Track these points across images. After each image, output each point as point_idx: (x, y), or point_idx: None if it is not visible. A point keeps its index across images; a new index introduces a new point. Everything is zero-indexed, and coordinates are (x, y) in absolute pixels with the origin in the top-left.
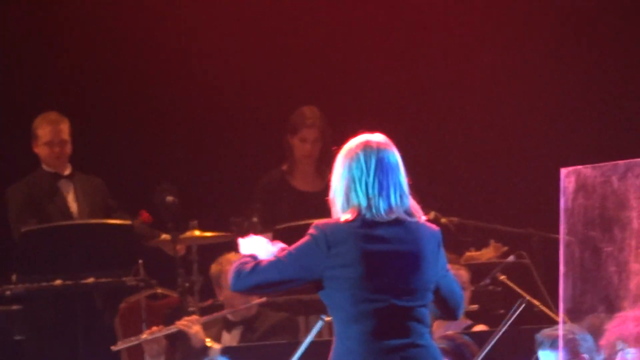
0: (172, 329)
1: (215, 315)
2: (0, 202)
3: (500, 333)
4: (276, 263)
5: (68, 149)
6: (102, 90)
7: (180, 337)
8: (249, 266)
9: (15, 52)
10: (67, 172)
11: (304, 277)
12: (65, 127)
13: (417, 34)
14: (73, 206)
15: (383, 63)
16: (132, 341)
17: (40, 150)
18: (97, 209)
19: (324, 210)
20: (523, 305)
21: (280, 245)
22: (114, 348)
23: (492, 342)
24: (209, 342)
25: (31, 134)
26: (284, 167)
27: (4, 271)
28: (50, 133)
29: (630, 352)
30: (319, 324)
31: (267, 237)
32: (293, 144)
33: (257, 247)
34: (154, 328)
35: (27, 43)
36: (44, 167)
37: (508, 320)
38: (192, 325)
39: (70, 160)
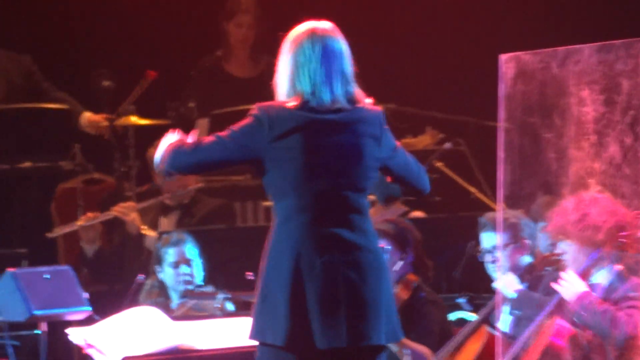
0: (108, 215)
1: (152, 201)
2: None
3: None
4: (217, 142)
5: None
6: None
7: (116, 223)
8: (188, 145)
9: None
10: None
11: (245, 156)
12: None
13: None
14: None
15: None
16: (68, 227)
17: None
18: (16, 89)
19: (259, 95)
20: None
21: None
22: (49, 235)
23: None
24: (144, 229)
25: None
26: (219, 53)
27: None
28: None
29: (567, 243)
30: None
31: (204, 123)
32: (228, 29)
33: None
34: (90, 214)
35: None
36: None
37: None
38: (128, 212)
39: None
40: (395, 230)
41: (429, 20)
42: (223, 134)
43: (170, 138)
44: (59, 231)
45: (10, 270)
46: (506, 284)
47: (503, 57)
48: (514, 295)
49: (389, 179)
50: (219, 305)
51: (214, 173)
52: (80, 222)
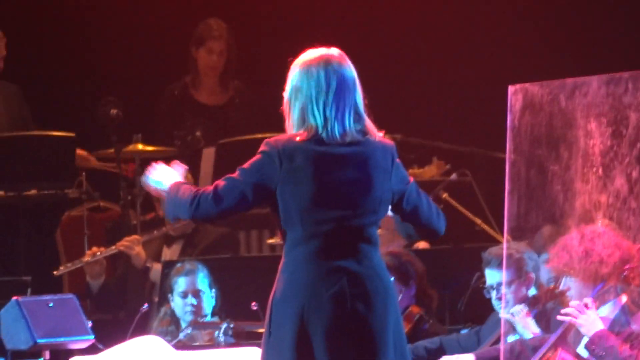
0: (112, 250)
1: (156, 234)
2: None
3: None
4: (233, 186)
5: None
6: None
7: (121, 257)
8: (207, 193)
9: None
10: None
11: (262, 195)
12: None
13: None
14: None
15: None
16: (74, 265)
17: None
18: (16, 117)
19: (226, 123)
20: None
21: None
22: (56, 273)
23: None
24: (149, 262)
25: None
26: (187, 80)
27: None
28: None
29: (572, 279)
30: None
31: (210, 152)
32: (197, 55)
33: (172, 176)
34: (95, 249)
35: None
36: None
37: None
38: (132, 246)
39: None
40: (398, 263)
41: (437, 50)
42: (235, 175)
43: (165, 174)
44: (64, 269)
45: (15, 298)
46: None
47: (511, 89)
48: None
49: (401, 218)
50: (222, 336)
51: None
52: (86, 259)
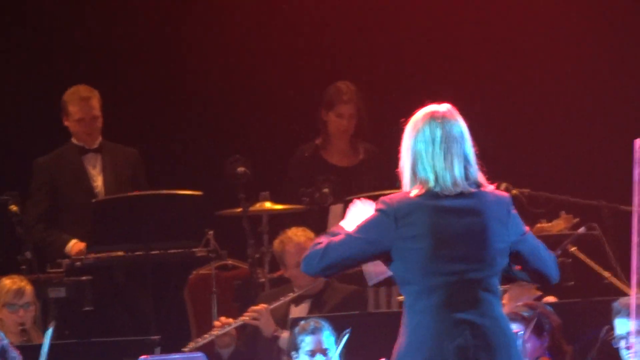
0: (240, 322)
1: (283, 300)
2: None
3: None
4: (347, 240)
5: (99, 123)
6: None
7: (250, 326)
8: (320, 247)
9: (43, 22)
10: (95, 145)
11: (375, 250)
12: (96, 103)
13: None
14: (98, 180)
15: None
16: (204, 340)
17: (71, 125)
18: (125, 181)
19: (359, 185)
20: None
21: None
22: (185, 350)
23: None
24: (278, 330)
25: (61, 107)
26: (318, 142)
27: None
28: (81, 110)
29: None
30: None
31: (338, 208)
32: (327, 118)
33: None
34: (224, 319)
35: (55, 14)
36: (73, 140)
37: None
38: (259, 316)
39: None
40: (533, 315)
41: (564, 103)
42: (352, 231)
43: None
44: (194, 345)
45: (144, 357)
46: None
47: (638, 142)
48: None
49: (518, 267)
50: None
51: None
52: (215, 332)
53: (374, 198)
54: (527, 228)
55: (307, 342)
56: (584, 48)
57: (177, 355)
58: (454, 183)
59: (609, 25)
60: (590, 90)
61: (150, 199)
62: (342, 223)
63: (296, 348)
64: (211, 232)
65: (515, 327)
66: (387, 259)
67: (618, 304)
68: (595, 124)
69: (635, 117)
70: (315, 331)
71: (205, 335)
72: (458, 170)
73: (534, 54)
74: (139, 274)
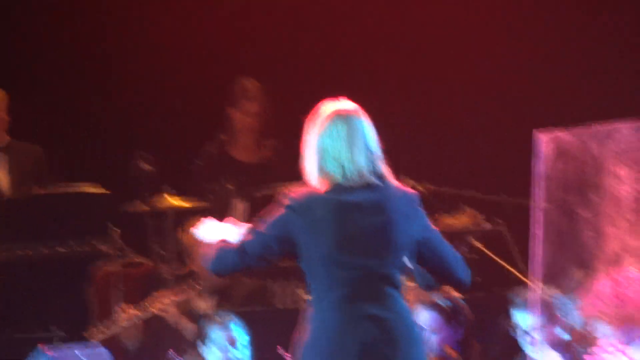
0: (147, 313)
1: (190, 293)
2: None
3: None
4: (257, 240)
5: (4, 123)
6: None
7: (156, 318)
8: (233, 249)
9: None
10: (2, 144)
11: (285, 247)
12: (1, 104)
13: None
14: (3, 178)
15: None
16: (110, 330)
17: None
18: (30, 179)
19: (262, 180)
20: None
21: (242, 224)
22: (91, 339)
23: None
24: (183, 321)
25: None
26: (224, 138)
27: None
28: None
29: (605, 326)
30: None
31: (241, 205)
32: (233, 115)
33: (221, 230)
34: (130, 311)
35: None
36: None
37: None
38: (167, 308)
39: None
40: (451, 307)
41: (467, 99)
42: (260, 229)
43: (208, 229)
44: (101, 335)
45: (42, 346)
46: None
47: (543, 137)
48: None
49: (426, 268)
50: None
51: None
52: (122, 323)
53: (279, 193)
54: (436, 229)
55: (216, 334)
56: (482, 42)
57: (77, 346)
58: (360, 174)
59: (505, 18)
60: (490, 83)
61: (55, 197)
62: (199, 233)
63: (204, 340)
64: (117, 230)
65: (430, 316)
66: (295, 253)
67: (518, 296)
68: (494, 115)
69: (536, 108)
70: (224, 324)
71: (111, 325)
72: (364, 162)
73: (433, 49)
74: (42, 272)
